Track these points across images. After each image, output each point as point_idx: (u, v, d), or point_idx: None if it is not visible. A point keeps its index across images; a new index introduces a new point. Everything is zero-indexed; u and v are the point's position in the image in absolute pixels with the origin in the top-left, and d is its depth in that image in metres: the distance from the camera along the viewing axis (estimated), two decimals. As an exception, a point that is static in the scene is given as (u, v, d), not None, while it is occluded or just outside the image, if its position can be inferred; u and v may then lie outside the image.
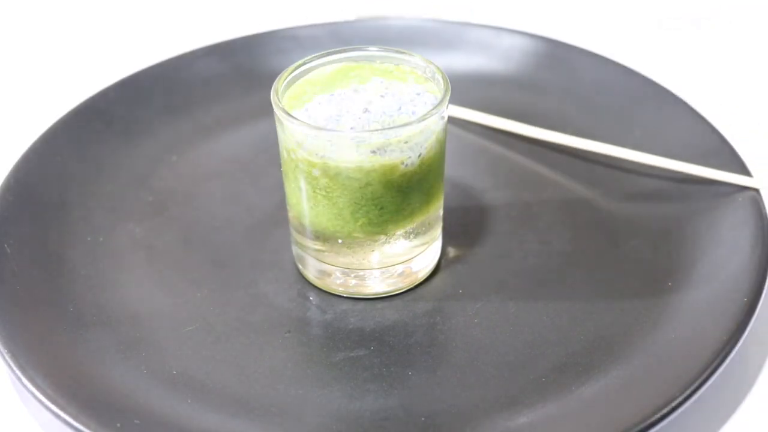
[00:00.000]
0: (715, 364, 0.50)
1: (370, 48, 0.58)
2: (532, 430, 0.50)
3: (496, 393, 0.52)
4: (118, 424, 0.49)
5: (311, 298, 0.58)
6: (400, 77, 0.56)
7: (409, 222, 0.56)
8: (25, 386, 0.50)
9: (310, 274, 0.59)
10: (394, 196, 0.54)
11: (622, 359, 0.53)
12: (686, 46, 0.89)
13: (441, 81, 0.55)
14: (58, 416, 0.49)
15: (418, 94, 0.55)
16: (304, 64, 0.57)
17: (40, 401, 0.50)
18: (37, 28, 0.95)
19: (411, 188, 0.54)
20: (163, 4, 0.98)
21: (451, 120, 0.71)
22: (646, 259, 0.60)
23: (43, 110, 0.76)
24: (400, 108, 0.54)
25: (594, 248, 0.61)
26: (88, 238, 0.62)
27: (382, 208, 0.54)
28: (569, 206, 0.65)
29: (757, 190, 0.61)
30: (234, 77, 0.76)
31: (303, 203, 0.56)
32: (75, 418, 0.48)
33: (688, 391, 0.49)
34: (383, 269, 0.57)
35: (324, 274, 0.58)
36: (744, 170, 0.63)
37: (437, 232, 0.59)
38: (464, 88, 0.72)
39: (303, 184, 0.55)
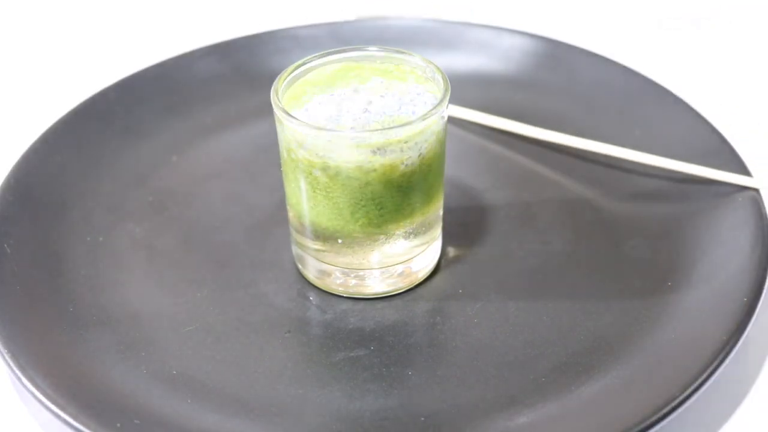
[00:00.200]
0: (715, 364, 0.50)
1: (370, 48, 0.58)
2: (532, 430, 0.50)
3: (496, 393, 0.52)
4: (118, 424, 0.49)
5: (311, 298, 0.58)
6: (400, 77, 0.56)
7: (409, 222, 0.56)
8: (25, 386, 0.50)
9: (310, 274, 0.59)
10: (394, 196, 0.54)
11: (622, 359, 0.53)
12: (686, 46, 0.89)
13: (441, 81, 0.55)
14: (58, 416, 0.49)
15: (418, 94, 0.55)
16: (304, 64, 0.57)
17: (40, 401, 0.50)
18: (37, 28, 0.95)
19: (411, 188, 0.54)
20: (163, 4, 0.98)
21: (451, 120, 0.71)
22: (646, 259, 0.60)
23: (43, 110, 0.76)
24: (400, 108, 0.54)
25: (594, 248, 0.61)
26: (88, 238, 0.62)
27: (382, 208, 0.54)
28: (569, 206, 0.65)
29: (757, 190, 0.61)
30: (234, 77, 0.76)
31: (303, 203, 0.56)
32: (75, 418, 0.48)
33: (688, 391, 0.49)
34: (383, 269, 0.57)
35: (324, 274, 0.58)
36: (744, 170, 0.63)
37: (437, 232, 0.59)
38: (464, 88, 0.72)
39: (303, 183, 0.55)
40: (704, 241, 0.59)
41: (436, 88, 0.55)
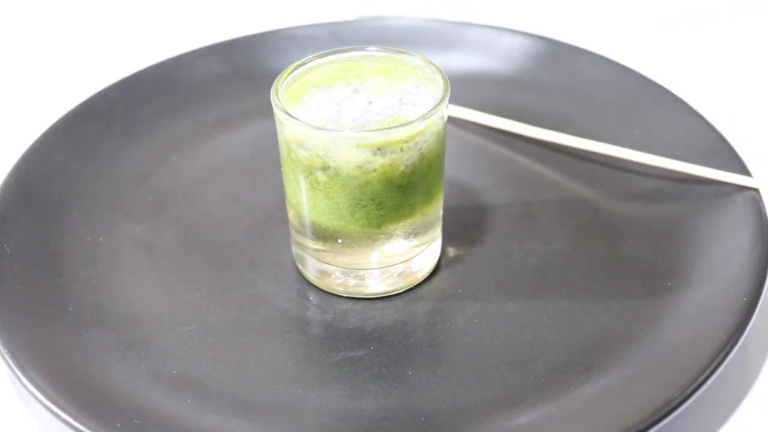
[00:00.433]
0: (715, 364, 0.50)
1: (370, 48, 0.58)
2: (532, 430, 0.50)
3: (496, 393, 0.52)
4: (118, 424, 0.49)
5: (311, 298, 0.58)
6: (400, 77, 0.56)
7: (409, 222, 0.56)
8: (25, 386, 0.50)
9: (310, 274, 0.59)
10: (394, 196, 0.54)
11: (622, 359, 0.53)
12: (686, 46, 0.89)
13: (441, 81, 0.55)
14: (58, 416, 0.49)
15: (418, 94, 0.55)
16: (303, 63, 0.57)
17: (40, 401, 0.50)
18: (37, 29, 0.95)
19: (411, 188, 0.54)
20: (163, 4, 0.98)
21: (451, 120, 0.71)
22: (646, 259, 0.60)
23: (43, 110, 0.76)
24: (400, 108, 0.54)
25: (594, 248, 0.61)
26: (88, 238, 0.62)
27: (382, 208, 0.54)
28: (569, 206, 0.65)
29: (757, 190, 0.61)
30: (234, 77, 0.76)
31: (303, 203, 0.56)
32: (75, 418, 0.48)
33: (688, 391, 0.49)
34: (383, 269, 0.57)
35: (324, 273, 0.58)
36: (744, 170, 0.63)
37: (437, 232, 0.59)
38: (464, 88, 0.72)
39: (303, 183, 0.55)
40: (704, 241, 0.59)
41: (436, 88, 0.55)
